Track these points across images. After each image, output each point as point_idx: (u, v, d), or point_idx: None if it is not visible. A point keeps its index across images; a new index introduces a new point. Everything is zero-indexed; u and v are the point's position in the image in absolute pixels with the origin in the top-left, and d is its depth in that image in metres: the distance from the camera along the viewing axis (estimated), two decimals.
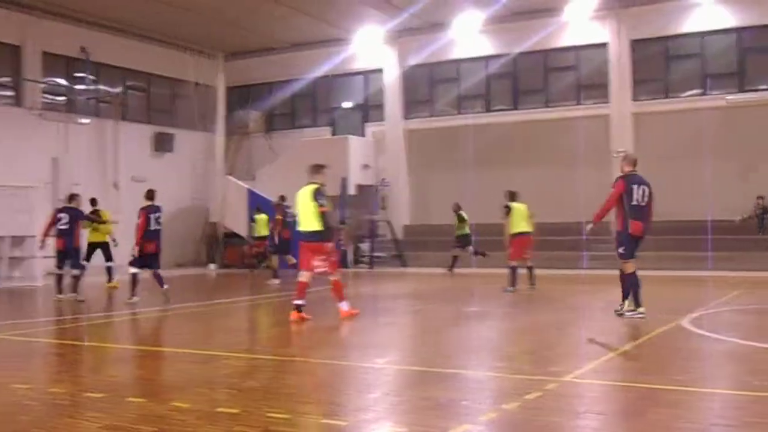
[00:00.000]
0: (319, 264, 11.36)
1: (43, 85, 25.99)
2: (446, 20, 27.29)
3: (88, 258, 18.35)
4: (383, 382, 7.30)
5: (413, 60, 28.76)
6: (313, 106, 31.47)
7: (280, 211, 20.64)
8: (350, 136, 28.48)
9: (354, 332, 10.87)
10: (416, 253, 26.64)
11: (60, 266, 16.17)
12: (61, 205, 16.65)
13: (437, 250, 25.88)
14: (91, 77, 27.30)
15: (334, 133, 30.16)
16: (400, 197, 28.63)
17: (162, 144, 29.07)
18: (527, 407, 5.97)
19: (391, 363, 8.30)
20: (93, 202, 19.36)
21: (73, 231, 16.00)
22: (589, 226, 11.39)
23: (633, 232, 10.97)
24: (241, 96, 32.33)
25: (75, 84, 27.15)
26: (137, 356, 9.02)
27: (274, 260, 20.72)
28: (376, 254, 26.68)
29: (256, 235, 23.53)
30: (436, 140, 28.35)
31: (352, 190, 27.44)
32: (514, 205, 16.69)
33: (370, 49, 29.27)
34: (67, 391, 6.71)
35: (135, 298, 14.77)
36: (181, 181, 29.41)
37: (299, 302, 11.45)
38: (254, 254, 24.96)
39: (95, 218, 17.49)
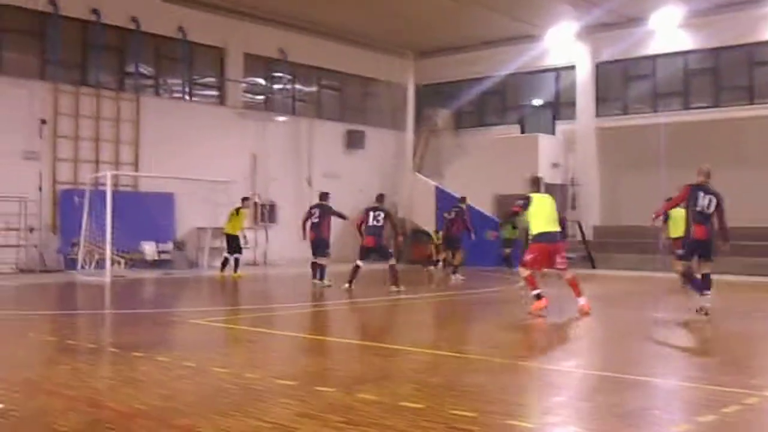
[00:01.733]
0: (561, 261, 12.36)
1: (244, 85, 27.38)
2: (643, 15, 26.33)
3: (229, 248, 20.42)
4: (569, 385, 7.16)
5: (606, 56, 27.97)
6: (502, 103, 31.25)
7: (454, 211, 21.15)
8: (540, 135, 28.13)
9: (539, 333, 10.72)
10: (606, 254, 25.91)
11: (314, 255, 17.92)
12: (314, 203, 18.55)
13: (628, 252, 25.08)
14: (288, 77, 28.48)
15: (523, 131, 29.88)
16: (590, 197, 27.95)
17: (353, 141, 29.83)
18: (725, 421, 5.65)
19: (577, 366, 8.13)
20: (244, 201, 20.90)
21: (323, 224, 17.70)
22: (652, 216, 12.82)
23: (695, 236, 11.78)
24: (430, 94, 32.63)
25: (273, 83, 28.42)
26: (327, 347, 9.30)
27: (458, 256, 20.90)
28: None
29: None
30: (629, 139, 27.41)
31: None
32: (673, 212, 16.38)
33: (562, 45, 28.73)
34: (261, 377, 7.03)
35: (345, 285, 16.36)
36: (371, 178, 30.04)
37: (538, 291, 12.25)
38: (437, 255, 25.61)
39: (341, 214, 18.41)
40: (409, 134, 32.12)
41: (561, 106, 29.49)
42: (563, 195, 27.86)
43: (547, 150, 27.87)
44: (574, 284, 12.35)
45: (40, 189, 21.69)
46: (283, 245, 25.89)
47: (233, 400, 6.17)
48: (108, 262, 18.63)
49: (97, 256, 19.78)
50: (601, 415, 5.88)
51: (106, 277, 18.18)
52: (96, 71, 23.78)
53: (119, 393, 6.43)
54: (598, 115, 28.43)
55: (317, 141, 28.60)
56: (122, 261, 20.50)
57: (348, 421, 5.51)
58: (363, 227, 16.85)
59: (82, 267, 19.62)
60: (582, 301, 12.21)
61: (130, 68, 24.76)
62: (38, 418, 5.58)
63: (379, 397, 6.21)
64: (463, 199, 21.68)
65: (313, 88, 29.78)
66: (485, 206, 27.36)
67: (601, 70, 28.36)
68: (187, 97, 26.38)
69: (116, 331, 10.69)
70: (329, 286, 17.18)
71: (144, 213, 22.24)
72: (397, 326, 11.31)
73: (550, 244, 12.37)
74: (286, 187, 27.23)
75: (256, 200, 26.27)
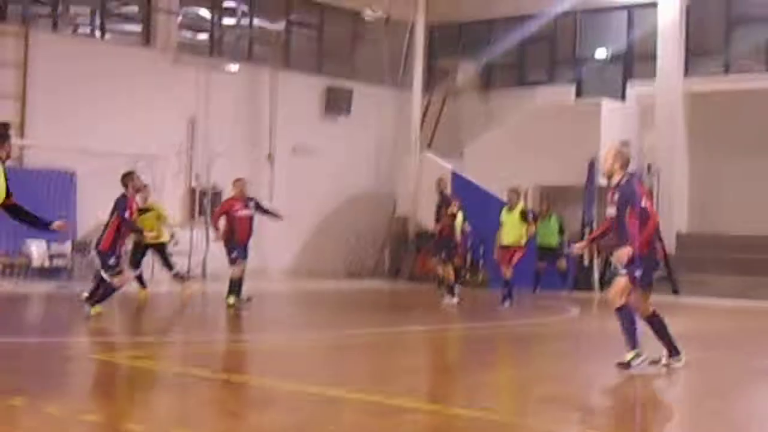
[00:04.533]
0: None
1: (179, 18, 27.29)
2: None
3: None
4: None
5: None
6: (551, 55, 31.28)
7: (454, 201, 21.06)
8: (604, 100, 28.04)
9: (597, 388, 10.72)
10: (696, 275, 25.80)
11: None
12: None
13: (728, 273, 25.01)
14: (242, 8, 28.40)
15: (579, 95, 29.79)
16: (673, 192, 27.85)
17: (336, 103, 29.76)
18: None
19: None
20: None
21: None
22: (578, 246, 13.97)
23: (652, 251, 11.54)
24: (447, 39, 32.53)
25: (222, 17, 28.34)
26: (288, 398, 9.26)
27: (447, 270, 20.84)
28: None
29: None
30: (734, 109, 27.36)
31: (602, 179, 26.99)
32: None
33: None
34: None
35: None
36: (359, 157, 29.98)
37: None
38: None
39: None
40: (416, 96, 32.04)
41: (635, 61, 29.42)
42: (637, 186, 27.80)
43: (615, 122, 27.71)
44: None
45: None
46: None
47: None
48: None
49: None
50: None
51: None
52: None
53: None
54: (688, 74, 28.36)
55: (284, 101, 28.53)
56: None
57: None
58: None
59: None
60: None
61: None
62: None
63: None
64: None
65: (280, 26, 29.70)
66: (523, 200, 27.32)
67: (693, 11, 28.29)
68: (97, 34, 26.27)
69: None
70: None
71: (31, 199, 22.02)
72: (391, 372, 11.28)
73: None
74: (237, 165, 27.15)
75: (193, 184, 26.24)
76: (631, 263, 11.07)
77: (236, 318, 17.01)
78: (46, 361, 10.99)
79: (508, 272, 19.38)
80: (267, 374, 11.05)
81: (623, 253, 11.04)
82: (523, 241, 19.49)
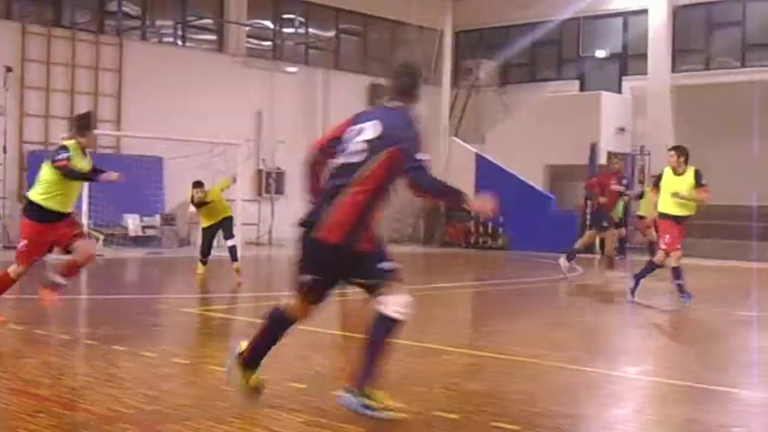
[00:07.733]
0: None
1: (247, 29, 27.37)
2: None
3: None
4: (635, 395, 7.18)
5: None
6: (558, 55, 31.13)
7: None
8: (603, 93, 27.97)
9: (600, 334, 10.72)
10: (683, 240, 25.69)
11: None
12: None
13: (711, 237, 24.91)
14: (300, 19, 28.43)
15: (582, 89, 29.69)
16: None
17: (378, 97, 29.77)
18: None
19: (645, 373, 8.14)
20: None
21: None
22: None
23: None
24: (471, 42, 32.44)
25: (282, 27, 28.39)
26: (344, 344, 9.33)
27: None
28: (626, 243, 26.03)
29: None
30: (713, 100, 27.13)
31: (602, 159, 26.91)
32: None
33: None
34: (266, 378, 7.07)
35: None
36: None
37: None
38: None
39: None
40: (445, 90, 31.99)
41: (630, 59, 29.25)
42: (629, 166, 27.71)
43: (612, 111, 27.66)
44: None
45: (4, 150, 21.83)
46: (292, 221, 25.99)
47: (232, 404, 6.23)
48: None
49: None
50: (672, 431, 5.87)
51: None
52: (71, 9, 23.87)
53: (97, 393, 6.50)
54: (674, 70, 28.19)
55: (334, 96, 28.54)
56: (100, 237, 20.64)
57: None
58: None
59: None
60: None
61: (112, 6, 24.84)
62: (3, 421, 5.67)
63: (407, 405, 6.22)
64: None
65: (330, 33, 29.72)
66: (535, 178, 27.30)
67: (679, 16, 28.06)
68: (179, 42, 26.43)
69: (93, 320, 10.79)
70: None
71: (127, 180, 22.35)
72: (429, 322, 11.33)
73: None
74: (297, 151, 27.28)
75: (260, 167, 26.43)
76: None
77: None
78: (142, 314, 11.13)
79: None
80: (330, 324, 11.12)
81: None
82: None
